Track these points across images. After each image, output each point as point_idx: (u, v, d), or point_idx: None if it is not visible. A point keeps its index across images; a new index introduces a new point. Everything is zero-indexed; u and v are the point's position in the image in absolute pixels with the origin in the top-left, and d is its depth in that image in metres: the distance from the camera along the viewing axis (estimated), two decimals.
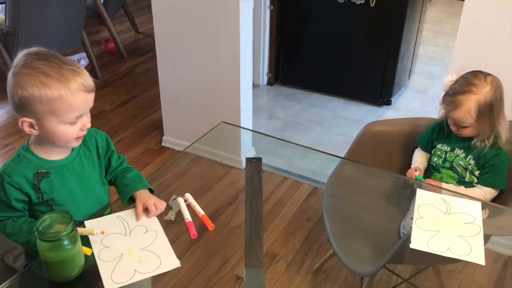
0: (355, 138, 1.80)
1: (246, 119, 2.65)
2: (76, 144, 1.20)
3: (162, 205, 1.28)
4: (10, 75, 1.10)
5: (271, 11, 3.40)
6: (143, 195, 1.28)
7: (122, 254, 1.16)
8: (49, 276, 1.09)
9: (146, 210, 1.27)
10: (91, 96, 1.15)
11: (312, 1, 3.30)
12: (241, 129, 2.37)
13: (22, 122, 1.12)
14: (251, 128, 2.69)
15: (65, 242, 1.02)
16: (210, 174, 2.11)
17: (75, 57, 3.98)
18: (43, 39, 3.22)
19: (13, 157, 1.20)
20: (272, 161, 2.64)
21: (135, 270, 1.13)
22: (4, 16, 3.16)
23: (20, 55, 1.11)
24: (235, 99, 2.55)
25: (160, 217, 1.31)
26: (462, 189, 1.57)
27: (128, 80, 3.81)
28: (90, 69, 3.83)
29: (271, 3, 3.37)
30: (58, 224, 1.03)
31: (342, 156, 1.75)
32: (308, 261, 1.98)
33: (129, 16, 4.68)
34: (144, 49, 4.38)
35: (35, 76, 1.07)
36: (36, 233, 1.01)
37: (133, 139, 3.00)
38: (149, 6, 2.59)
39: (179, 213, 1.41)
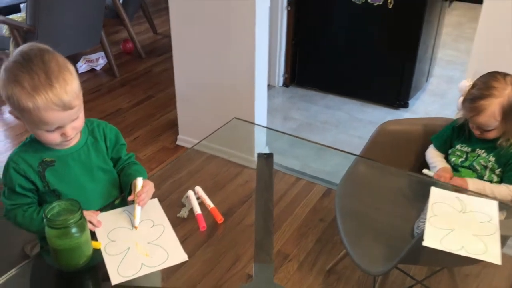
0: (370, 137, 1.78)
1: (261, 119, 2.64)
2: (65, 146, 1.19)
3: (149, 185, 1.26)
4: (2, 67, 1.10)
5: (288, 12, 3.39)
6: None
7: (129, 247, 1.15)
8: (57, 265, 1.09)
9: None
10: (68, 113, 1.09)
11: (329, 2, 3.28)
12: (255, 127, 2.36)
13: (11, 112, 1.13)
14: (264, 133, 2.68)
15: (73, 230, 1.03)
16: (224, 173, 2.10)
17: (93, 56, 4.03)
18: (62, 37, 3.27)
19: (20, 144, 1.22)
20: (285, 161, 2.62)
21: (142, 263, 1.12)
22: (25, 15, 3.22)
23: (16, 51, 1.10)
24: (250, 99, 2.54)
25: (173, 214, 1.30)
26: (487, 185, 1.53)
27: (145, 80, 3.84)
28: (108, 68, 3.88)
29: (288, 4, 3.36)
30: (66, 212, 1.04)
31: (356, 158, 1.73)
32: (320, 261, 1.96)
33: (147, 18, 4.73)
34: (161, 49, 4.41)
35: (12, 83, 1.06)
36: (44, 220, 1.02)
37: (149, 137, 3.02)
38: (167, 8, 2.61)
39: (192, 211, 1.40)
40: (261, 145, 2.49)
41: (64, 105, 1.07)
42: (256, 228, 1.28)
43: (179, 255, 1.15)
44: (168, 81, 3.65)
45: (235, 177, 2.08)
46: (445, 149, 1.67)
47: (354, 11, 3.19)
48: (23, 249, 1.52)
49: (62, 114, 1.09)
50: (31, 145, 1.20)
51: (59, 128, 1.12)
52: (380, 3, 3.09)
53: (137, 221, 1.21)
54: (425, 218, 1.34)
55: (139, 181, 1.22)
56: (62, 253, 1.05)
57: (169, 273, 1.26)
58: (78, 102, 1.12)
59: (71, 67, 1.12)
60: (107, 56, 3.81)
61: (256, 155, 2.33)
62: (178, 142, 2.94)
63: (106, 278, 1.08)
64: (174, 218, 1.31)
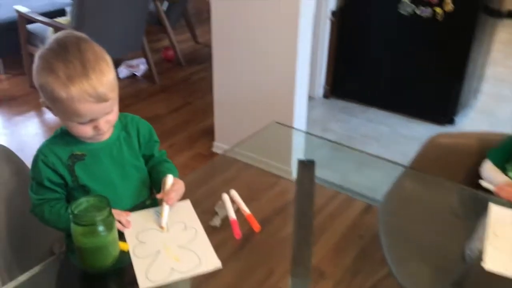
0: (418, 149, 1.66)
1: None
2: (98, 140, 1.14)
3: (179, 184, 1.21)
4: (36, 54, 1.06)
5: (331, 22, 3.31)
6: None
7: (159, 251, 1.08)
8: (82, 265, 1.03)
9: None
10: (102, 106, 1.05)
11: (375, 13, 3.19)
12: (294, 133, 2.28)
13: (42, 102, 1.09)
14: (303, 142, 2.59)
15: (100, 228, 0.97)
16: (258, 182, 2.02)
17: (134, 62, 4.06)
18: (104, 40, 3.25)
19: (50, 136, 1.17)
20: (324, 174, 2.51)
21: (172, 268, 1.04)
22: (70, 18, 3.28)
23: (52, 38, 1.06)
24: (289, 110, 2.48)
25: (205, 222, 1.23)
26: None
27: (184, 87, 3.85)
28: (149, 74, 3.90)
29: (333, 14, 3.28)
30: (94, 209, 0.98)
31: (401, 172, 1.62)
32: (358, 280, 1.83)
33: (189, 27, 4.76)
34: (201, 58, 4.43)
35: (46, 71, 1.02)
36: (70, 216, 0.96)
37: (185, 143, 3.01)
38: (209, 18, 2.61)
39: (225, 220, 1.33)
40: (298, 155, 2.41)
41: (99, 97, 1.02)
42: (294, 240, 1.19)
43: (212, 262, 1.08)
44: (206, 89, 3.65)
45: (271, 187, 2.00)
46: (502, 165, 1.54)
47: (400, 23, 3.09)
48: (51, 248, 1.47)
49: (96, 106, 1.04)
50: (62, 137, 1.15)
51: (92, 120, 1.07)
52: (429, 16, 2.97)
53: (164, 221, 1.14)
54: (478, 239, 1.22)
55: (170, 179, 1.16)
56: (87, 253, 0.99)
57: (198, 282, 1.18)
58: (113, 95, 1.07)
59: (107, 57, 1.07)
60: (148, 62, 3.83)
61: (293, 165, 2.24)
62: (214, 149, 2.91)
63: (133, 282, 1.02)
64: (206, 226, 1.23)
